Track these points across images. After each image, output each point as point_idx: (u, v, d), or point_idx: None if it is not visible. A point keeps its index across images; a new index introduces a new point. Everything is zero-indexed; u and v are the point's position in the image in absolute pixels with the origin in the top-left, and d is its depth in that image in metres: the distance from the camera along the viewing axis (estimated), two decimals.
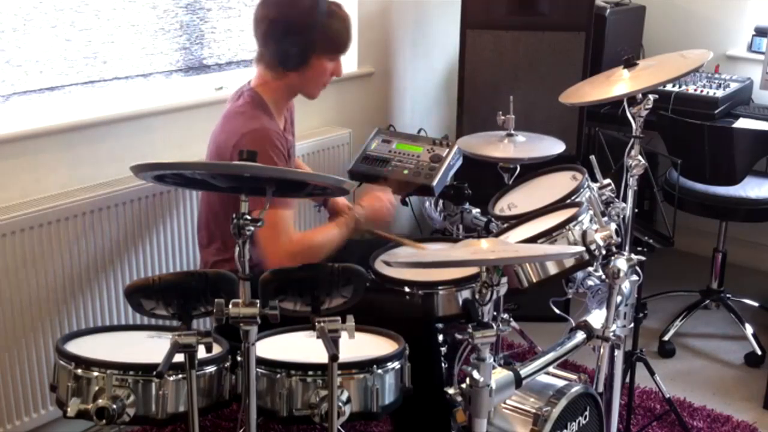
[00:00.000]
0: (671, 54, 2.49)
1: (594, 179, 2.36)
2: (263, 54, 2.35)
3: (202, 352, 1.68)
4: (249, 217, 1.59)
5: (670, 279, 3.71)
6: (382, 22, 3.61)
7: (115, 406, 1.71)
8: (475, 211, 2.65)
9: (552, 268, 2.04)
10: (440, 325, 2.38)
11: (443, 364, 2.37)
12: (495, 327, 1.67)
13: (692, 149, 3.23)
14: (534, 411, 1.97)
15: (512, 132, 2.65)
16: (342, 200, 2.66)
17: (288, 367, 1.81)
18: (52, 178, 2.57)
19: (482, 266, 1.68)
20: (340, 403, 1.75)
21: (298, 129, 2.71)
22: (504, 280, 1.69)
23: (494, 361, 1.73)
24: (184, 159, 2.69)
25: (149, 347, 1.94)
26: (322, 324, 1.66)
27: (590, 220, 2.10)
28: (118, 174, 2.67)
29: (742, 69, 3.84)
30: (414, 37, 3.75)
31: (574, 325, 2.05)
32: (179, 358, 1.63)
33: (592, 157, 2.35)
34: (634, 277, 2.25)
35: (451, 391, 1.73)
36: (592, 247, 1.99)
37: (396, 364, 1.87)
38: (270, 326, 1.77)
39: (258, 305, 1.62)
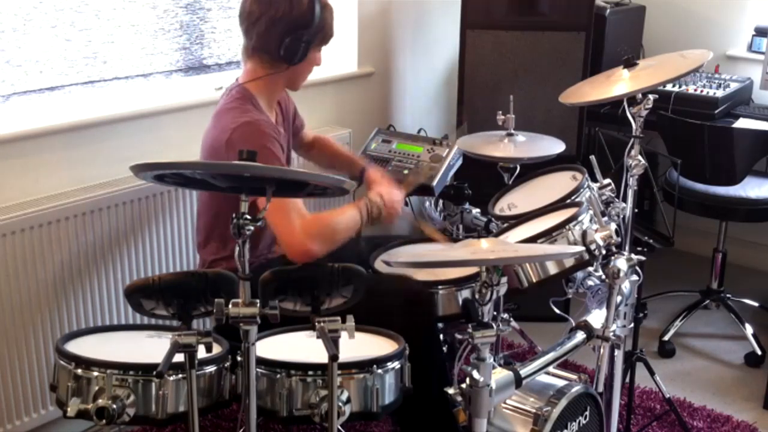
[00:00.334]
0: (671, 54, 2.49)
1: (594, 179, 2.36)
2: (259, 50, 2.34)
3: (202, 352, 1.67)
4: (249, 217, 1.59)
5: (670, 279, 3.71)
6: (382, 22, 3.61)
7: (115, 406, 1.71)
8: (475, 211, 2.65)
9: (552, 268, 2.05)
10: (440, 325, 2.38)
11: (446, 363, 2.38)
12: (495, 327, 1.67)
13: (692, 149, 3.23)
14: (534, 411, 1.97)
15: (512, 132, 2.65)
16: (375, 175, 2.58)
17: (288, 367, 1.81)
18: (52, 178, 2.56)
19: (482, 266, 1.68)
20: (340, 403, 1.75)
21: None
22: (504, 280, 1.69)
23: (494, 361, 1.73)
24: (184, 159, 2.69)
25: (149, 347, 1.94)
26: (322, 324, 1.66)
27: (590, 220, 2.10)
28: (118, 174, 2.67)
29: (742, 69, 3.84)
30: (414, 37, 3.75)
31: (574, 325, 2.05)
32: (179, 358, 1.63)
33: (592, 157, 2.35)
34: (634, 277, 2.25)
35: (451, 391, 1.73)
36: (592, 247, 1.99)
37: (396, 364, 1.87)
38: (270, 326, 1.77)
39: (258, 305, 1.62)
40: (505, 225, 2.34)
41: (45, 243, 2.47)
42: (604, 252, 2.02)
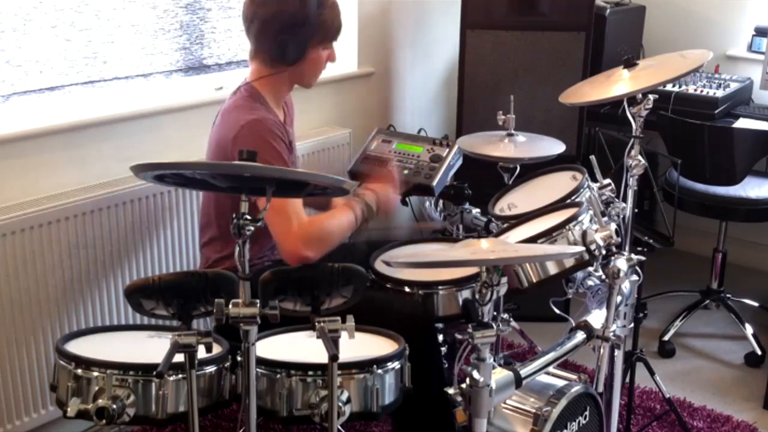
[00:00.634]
0: (671, 54, 2.49)
1: (594, 179, 2.36)
2: (258, 51, 2.35)
3: (202, 352, 1.68)
4: (249, 217, 1.59)
5: (670, 279, 3.71)
6: (382, 22, 3.61)
7: (115, 406, 1.71)
8: (475, 211, 2.65)
9: (552, 268, 2.04)
10: (440, 325, 2.38)
11: (444, 364, 2.37)
12: (495, 327, 1.67)
13: (692, 149, 3.23)
14: (534, 411, 1.97)
15: (512, 132, 2.65)
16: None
17: (288, 367, 1.81)
18: (52, 178, 2.56)
19: (482, 266, 1.68)
20: (340, 403, 1.75)
21: (299, 129, 2.70)
22: (504, 280, 1.69)
23: (494, 361, 1.73)
24: (184, 159, 2.69)
25: (149, 347, 1.94)
26: (322, 324, 1.66)
27: (590, 220, 2.10)
28: (118, 174, 2.67)
29: (742, 69, 3.84)
30: (414, 37, 3.75)
31: (574, 325, 2.05)
32: (179, 358, 1.63)
33: (592, 157, 2.35)
34: (634, 277, 2.25)
35: (451, 391, 1.73)
36: (592, 247, 1.99)
37: (396, 364, 1.87)
38: (270, 326, 1.77)
39: (258, 305, 1.62)
40: (505, 225, 2.34)
41: (45, 243, 2.47)
42: (604, 252, 2.02)
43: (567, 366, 2.96)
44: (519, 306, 2.80)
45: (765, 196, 3.30)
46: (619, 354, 2.29)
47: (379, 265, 2.33)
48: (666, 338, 3.36)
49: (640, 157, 2.35)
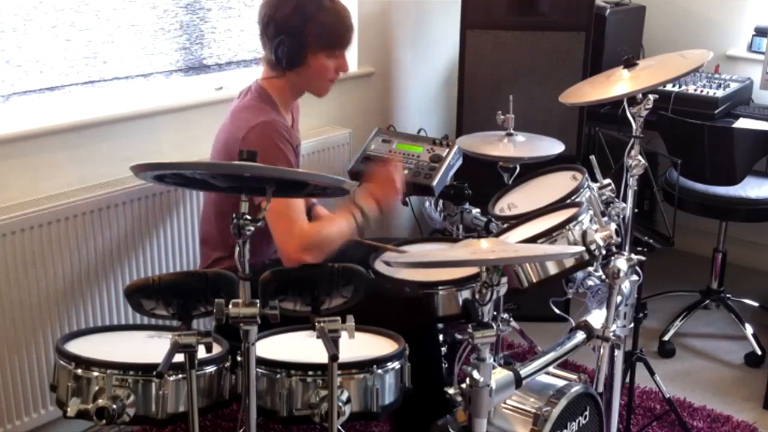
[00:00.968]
0: (671, 54, 2.49)
1: (594, 179, 2.36)
2: (265, 53, 2.36)
3: (202, 352, 1.67)
4: (249, 217, 1.59)
5: (670, 279, 3.71)
6: (382, 22, 3.61)
7: (115, 406, 1.71)
8: (475, 211, 2.65)
9: (552, 268, 2.04)
10: (440, 325, 2.38)
11: (443, 364, 2.37)
12: (495, 327, 1.67)
13: (692, 149, 3.23)
14: (534, 411, 1.97)
15: (512, 132, 2.65)
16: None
17: (288, 367, 1.81)
18: (52, 178, 2.56)
19: (482, 266, 1.68)
20: (340, 403, 1.75)
21: (299, 129, 2.70)
22: (504, 280, 1.69)
23: (494, 361, 1.73)
24: (184, 159, 2.69)
25: (149, 347, 1.94)
26: (322, 324, 1.66)
27: (590, 220, 2.10)
28: (118, 174, 2.67)
29: (742, 69, 3.84)
30: (414, 37, 3.75)
31: (574, 325, 2.05)
32: (179, 358, 1.63)
33: (592, 157, 2.35)
34: (634, 277, 2.25)
35: (451, 391, 1.73)
36: (592, 247, 1.99)
37: (396, 364, 1.87)
38: (270, 326, 1.77)
39: (258, 305, 1.62)
40: (505, 225, 2.34)
41: (45, 243, 2.47)
42: (604, 252, 2.02)
43: (567, 366, 2.96)
44: (519, 306, 2.80)
45: (765, 196, 3.30)
46: (619, 354, 2.29)
47: (379, 265, 2.33)
48: (666, 338, 3.36)
49: (640, 157, 2.35)
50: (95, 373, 1.75)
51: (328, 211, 2.56)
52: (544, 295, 2.43)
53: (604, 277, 2.05)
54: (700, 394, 3.06)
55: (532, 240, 2.06)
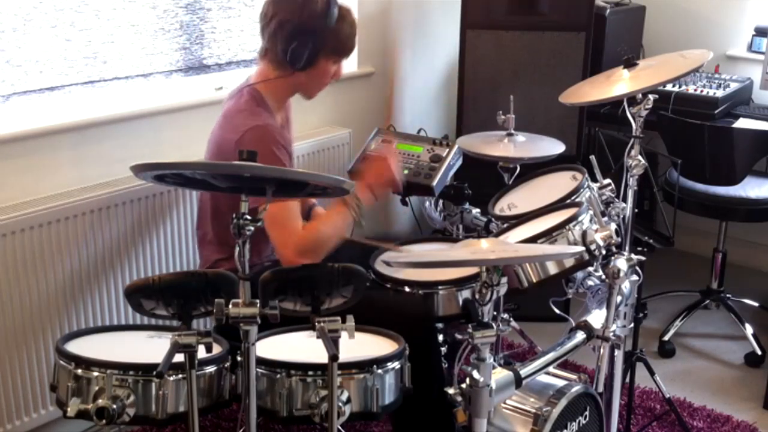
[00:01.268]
0: (671, 54, 2.49)
1: (594, 179, 2.36)
2: (269, 51, 2.35)
3: (202, 352, 1.68)
4: (249, 217, 1.59)
5: (670, 279, 3.71)
6: (382, 22, 3.61)
7: (115, 406, 1.71)
8: (475, 211, 2.65)
9: (552, 268, 2.04)
10: (440, 325, 2.38)
11: (443, 364, 2.37)
12: (495, 327, 1.67)
13: (692, 149, 3.23)
14: (534, 411, 1.97)
15: (512, 132, 2.65)
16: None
17: (288, 367, 1.81)
18: (52, 178, 2.56)
19: (482, 266, 1.68)
20: (340, 403, 1.75)
21: (299, 129, 2.70)
22: (504, 280, 1.69)
23: (494, 361, 1.73)
24: (184, 159, 2.69)
25: (149, 347, 1.94)
26: (322, 324, 1.66)
27: (590, 220, 2.10)
28: (118, 174, 2.67)
29: (742, 69, 3.84)
30: (414, 37, 3.75)
31: (574, 325, 2.05)
32: (179, 358, 1.63)
33: (592, 157, 2.35)
34: (634, 277, 2.25)
35: (451, 391, 1.73)
36: (592, 247, 1.99)
37: (396, 364, 1.87)
38: (270, 326, 1.77)
39: (258, 305, 1.62)
40: (505, 225, 2.34)
41: (45, 243, 2.47)
42: (604, 252, 2.02)
43: (567, 366, 2.96)
44: (519, 306, 2.80)
45: (765, 196, 3.30)
46: (619, 354, 2.29)
47: (379, 265, 2.33)
48: (666, 338, 3.36)
49: (640, 157, 2.35)
50: (95, 373, 1.75)
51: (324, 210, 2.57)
52: (544, 295, 2.43)
53: (604, 277, 2.05)
54: (700, 394, 3.06)
55: (532, 240, 2.06)
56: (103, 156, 2.67)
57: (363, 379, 1.81)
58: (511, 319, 2.65)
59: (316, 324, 1.66)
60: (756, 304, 3.58)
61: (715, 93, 3.51)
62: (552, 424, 1.95)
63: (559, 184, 2.42)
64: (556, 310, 2.51)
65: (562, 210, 2.22)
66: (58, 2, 2.54)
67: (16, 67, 2.48)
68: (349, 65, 3.49)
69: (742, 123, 3.44)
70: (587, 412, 2.09)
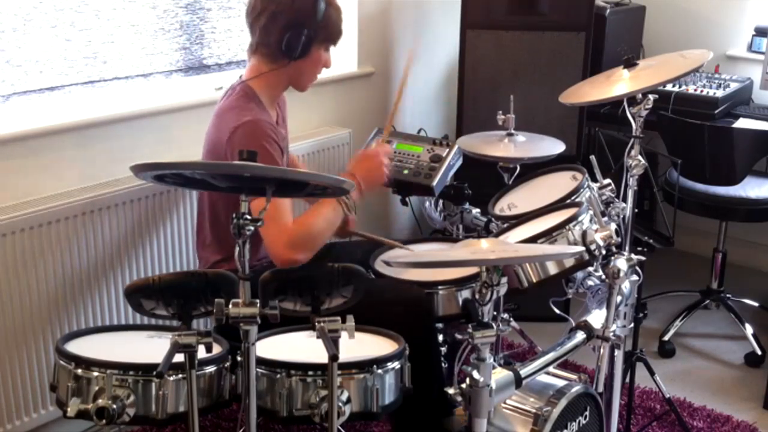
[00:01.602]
0: (671, 54, 2.49)
1: (594, 179, 2.36)
2: (261, 44, 2.35)
3: (202, 352, 1.68)
4: (249, 217, 1.59)
5: (670, 279, 3.71)
6: (382, 22, 3.61)
7: (115, 406, 1.71)
8: (475, 211, 2.65)
9: (552, 268, 2.04)
10: (440, 325, 2.38)
11: (443, 364, 2.37)
12: (495, 327, 1.68)
13: (692, 149, 3.23)
14: (534, 411, 1.97)
15: (512, 132, 2.65)
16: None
17: (288, 367, 1.81)
18: (52, 178, 2.56)
19: (482, 266, 1.68)
20: (340, 403, 1.75)
21: (299, 129, 2.70)
22: (504, 280, 1.69)
23: (494, 361, 1.73)
24: (184, 159, 2.69)
25: (149, 347, 1.94)
26: (322, 324, 1.66)
27: (590, 220, 2.10)
28: (118, 174, 2.67)
29: (742, 69, 3.84)
30: (414, 37, 3.75)
31: (574, 325, 2.05)
32: (179, 358, 1.63)
33: (592, 157, 2.35)
34: (634, 277, 2.25)
35: (451, 391, 1.73)
36: (592, 247, 1.99)
37: (396, 364, 1.87)
38: (270, 326, 1.77)
39: (258, 305, 1.62)
40: (505, 225, 2.34)
41: (45, 243, 2.47)
42: (604, 252, 2.02)
43: (567, 366, 2.96)
44: (519, 306, 2.80)
45: (765, 196, 3.30)
46: (619, 354, 2.29)
47: (379, 265, 2.33)
48: (666, 338, 3.36)
49: (640, 157, 2.35)
50: (95, 373, 1.75)
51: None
52: (544, 295, 2.43)
53: (604, 277, 2.05)
54: (700, 394, 3.06)
55: (532, 240, 2.06)
56: (103, 156, 2.67)
57: (363, 379, 1.82)
58: (511, 319, 2.65)
59: (316, 324, 1.66)
60: (756, 304, 3.58)
61: (715, 93, 3.51)
62: (552, 424, 1.94)
63: (559, 184, 2.42)
64: (556, 310, 2.51)
65: (562, 210, 2.22)
66: (58, 2, 2.54)
67: (16, 67, 2.48)
68: (349, 65, 3.50)
69: (742, 123, 3.44)
70: (587, 412, 2.09)
